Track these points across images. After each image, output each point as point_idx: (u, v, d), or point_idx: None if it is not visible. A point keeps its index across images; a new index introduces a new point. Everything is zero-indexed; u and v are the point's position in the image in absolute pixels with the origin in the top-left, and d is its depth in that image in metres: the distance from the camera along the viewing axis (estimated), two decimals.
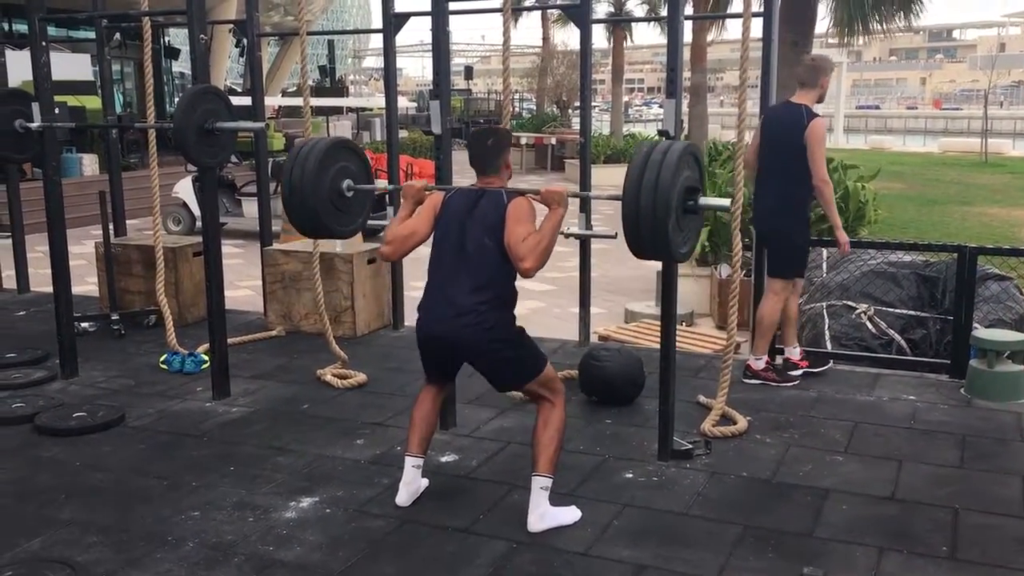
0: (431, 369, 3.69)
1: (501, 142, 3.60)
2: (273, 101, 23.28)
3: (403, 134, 22.05)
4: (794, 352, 5.39)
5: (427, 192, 3.68)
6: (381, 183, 10.30)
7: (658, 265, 5.82)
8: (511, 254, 3.35)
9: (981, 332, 5.20)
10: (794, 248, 5.20)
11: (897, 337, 6.56)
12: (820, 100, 5.13)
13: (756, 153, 5.26)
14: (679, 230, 3.29)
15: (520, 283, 3.51)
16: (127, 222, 7.54)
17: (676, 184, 3.18)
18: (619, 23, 26.83)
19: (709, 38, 19.21)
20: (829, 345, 6.36)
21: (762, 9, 5.40)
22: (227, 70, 30.79)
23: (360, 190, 4.03)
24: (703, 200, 3.37)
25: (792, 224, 5.13)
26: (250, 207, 12.44)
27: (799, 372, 5.31)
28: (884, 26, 11.55)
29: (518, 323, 3.58)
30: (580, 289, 6.18)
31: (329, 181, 3.88)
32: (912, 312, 6.67)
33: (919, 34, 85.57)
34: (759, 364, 5.29)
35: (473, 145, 3.60)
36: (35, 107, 5.27)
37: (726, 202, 3.58)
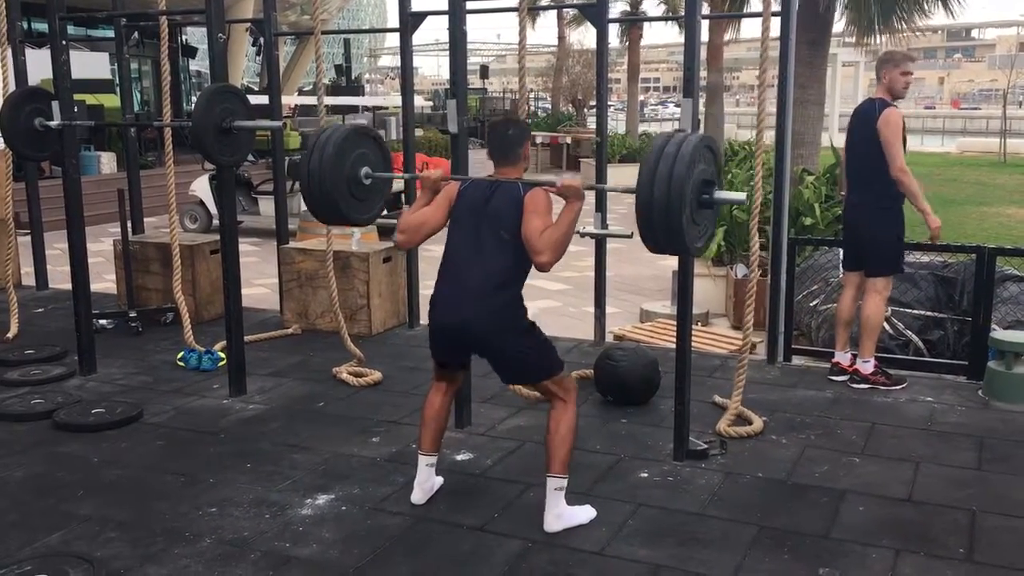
0: (441, 358, 3.65)
1: (521, 132, 3.58)
2: (289, 100, 23.37)
3: (419, 133, 22.09)
4: (866, 365, 5.16)
5: (444, 182, 3.65)
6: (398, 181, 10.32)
7: (674, 264, 5.81)
8: (528, 247, 3.32)
9: (999, 333, 5.17)
10: (888, 244, 5.12)
11: (914, 338, 6.53)
12: (892, 93, 5.08)
13: (845, 154, 5.33)
14: (694, 224, 3.23)
15: (534, 282, 3.50)
16: (144, 220, 7.59)
17: (691, 177, 3.12)
18: (635, 22, 26.80)
19: (726, 37, 19.14)
20: (839, 351, 6.33)
21: (780, 8, 5.38)
22: (244, 69, 30.91)
23: (378, 178, 4.00)
24: (718, 194, 3.30)
25: (882, 220, 5.07)
26: (266, 205, 12.50)
27: (867, 387, 5.13)
28: (906, 24, 11.48)
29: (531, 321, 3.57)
30: (595, 288, 6.17)
31: (347, 168, 3.85)
32: (930, 313, 6.65)
33: (937, 33, 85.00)
34: (867, 368, 5.14)
35: (492, 135, 3.56)
36: (55, 105, 5.31)
37: (742, 196, 3.52)
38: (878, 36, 11.38)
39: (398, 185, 12.32)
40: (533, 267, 3.40)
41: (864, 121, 5.07)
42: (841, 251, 5.31)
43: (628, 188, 3.31)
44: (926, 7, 11.81)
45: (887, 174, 4.97)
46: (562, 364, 3.55)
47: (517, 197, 3.40)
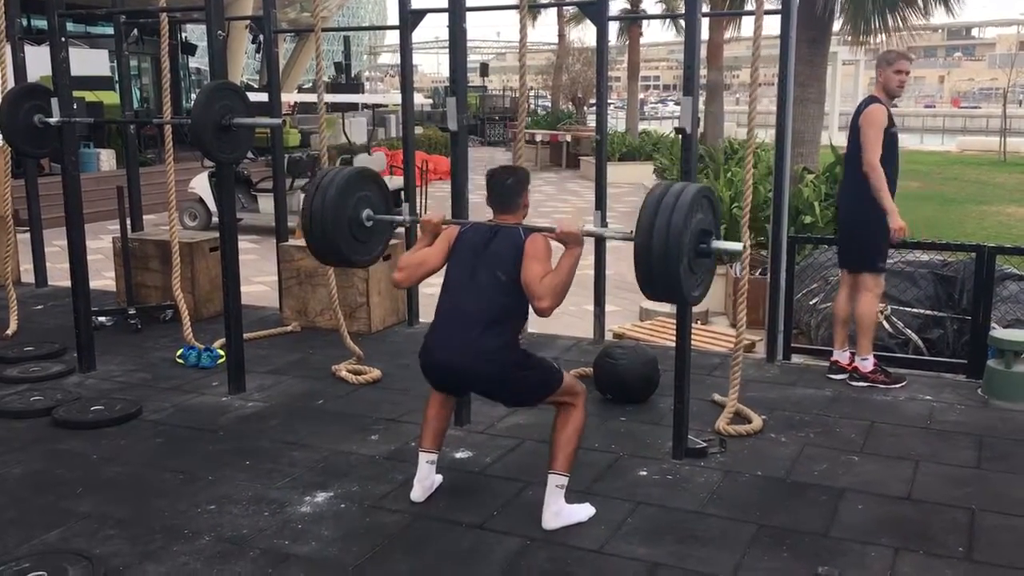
0: (437, 390, 3.70)
1: (520, 182, 3.60)
2: (289, 97, 23.36)
3: (418, 130, 22.08)
4: (865, 363, 5.14)
5: (444, 226, 3.70)
6: (396, 180, 10.30)
7: None
8: (528, 292, 3.35)
9: (999, 332, 5.16)
10: (866, 240, 5.09)
11: (914, 337, 6.53)
12: (887, 91, 5.06)
13: None
14: (691, 272, 3.27)
15: None
16: (144, 217, 7.59)
17: (689, 226, 3.17)
18: (635, 20, 26.76)
19: (727, 35, 19.13)
20: (838, 349, 6.33)
21: (779, 6, 5.38)
22: (244, 66, 30.90)
23: (380, 220, 4.05)
24: (716, 243, 3.34)
25: (866, 214, 5.04)
26: (266, 203, 12.49)
27: (865, 385, 5.11)
28: (903, 23, 11.49)
29: (532, 324, 3.58)
30: (595, 287, 6.17)
31: (350, 210, 3.90)
32: (929, 312, 6.64)
33: (937, 32, 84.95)
34: (866, 365, 5.12)
35: (492, 184, 3.59)
36: (54, 102, 5.30)
37: (739, 246, 3.57)
38: (875, 35, 11.37)
39: (397, 182, 12.33)
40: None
41: (855, 117, 5.12)
42: (877, 240, 5.26)
43: (627, 236, 3.32)
44: (928, 6, 11.81)
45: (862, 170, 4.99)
46: (560, 376, 3.53)
47: (518, 242, 3.43)
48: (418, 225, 3.79)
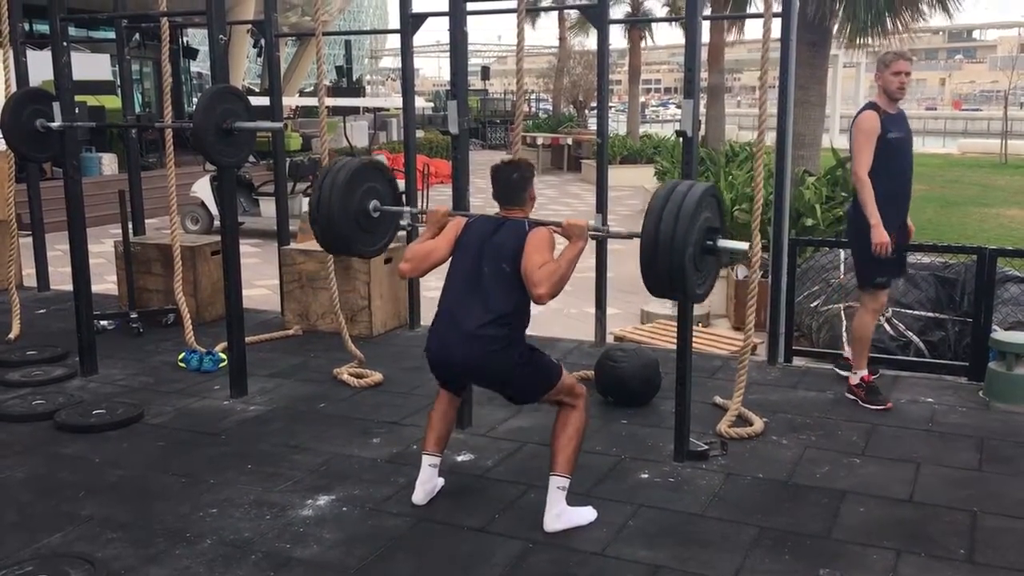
0: (441, 384, 3.71)
1: (525, 175, 3.62)
2: (290, 101, 23.37)
3: (420, 134, 22.08)
4: (852, 376, 4.99)
5: (450, 217, 3.72)
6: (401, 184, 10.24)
7: None
8: (526, 280, 3.36)
9: (1000, 334, 5.16)
10: (857, 254, 4.93)
11: (915, 339, 6.53)
12: (887, 94, 4.85)
13: None
14: (696, 269, 3.28)
15: None
16: (146, 221, 7.60)
17: (696, 220, 3.19)
18: (636, 23, 26.75)
19: (728, 39, 19.12)
20: (847, 346, 6.32)
21: (780, 10, 5.39)
22: (245, 70, 30.92)
23: (386, 211, 4.06)
24: (722, 242, 3.37)
25: (853, 228, 4.90)
26: (267, 206, 12.51)
27: (852, 397, 4.98)
28: (904, 26, 11.48)
29: (533, 326, 3.58)
30: (596, 289, 6.17)
31: (356, 200, 3.91)
32: (930, 314, 6.64)
33: (939, 34, 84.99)
34: (853, 379, 4.97)
35: (497, 179, 3.61)
36: (56, 107, 5.32)
37: (744, 245, 3.57)
38: (871, 38, 11.34)
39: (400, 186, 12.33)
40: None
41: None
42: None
43: (633, 233, 3.34)
44: (926, 9, 11.81)
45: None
46: (559, 370, 3.54)
47: (522, 234, 3.45)
48: (424, 216, 3.81)
